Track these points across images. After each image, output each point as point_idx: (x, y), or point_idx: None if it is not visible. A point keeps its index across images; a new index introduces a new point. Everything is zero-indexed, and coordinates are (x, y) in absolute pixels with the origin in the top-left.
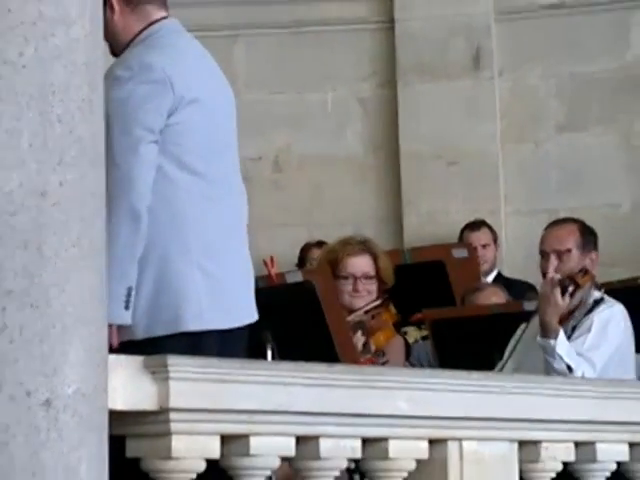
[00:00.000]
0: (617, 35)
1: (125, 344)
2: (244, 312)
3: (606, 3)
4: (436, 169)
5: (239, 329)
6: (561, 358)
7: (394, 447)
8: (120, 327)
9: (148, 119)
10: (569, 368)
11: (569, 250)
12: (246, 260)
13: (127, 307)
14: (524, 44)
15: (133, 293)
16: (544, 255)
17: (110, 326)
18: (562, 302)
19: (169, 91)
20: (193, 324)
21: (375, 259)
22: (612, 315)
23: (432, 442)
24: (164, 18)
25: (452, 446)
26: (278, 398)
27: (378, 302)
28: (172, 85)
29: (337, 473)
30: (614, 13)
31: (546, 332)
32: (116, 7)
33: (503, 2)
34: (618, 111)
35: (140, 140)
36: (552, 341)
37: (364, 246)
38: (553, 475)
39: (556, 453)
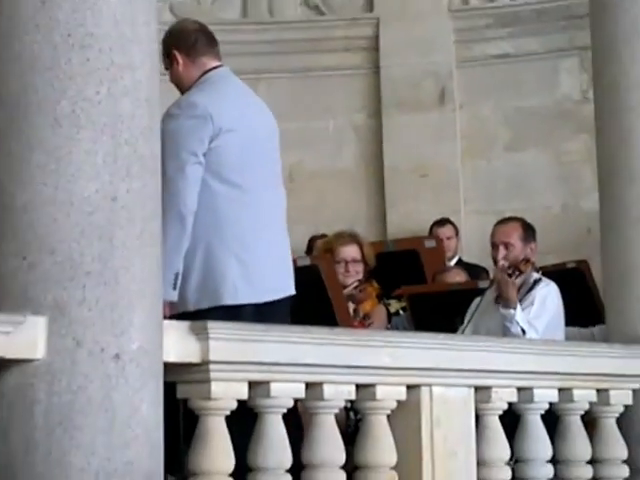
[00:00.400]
0: (549, 78)
1: (180, 314)
2: (275, 290)
3: (541, 53)
4: (411, 180)
5: (273, 303)
6: (518, 323)
7: (380, 391)
8: (174, 302)
9: (192, 146)
10: (523, 331)
11: (513, 242)
12: (280, 248)
13: (174, 288)
14: (478, 84)
15: (180, 277)
16: (494, 246)
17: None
18: (513, 282)
19: (209, 124)
20: (229, 299)
21: (360, 247)
22: (549, 292)
23: (409, 387)
24: (217, 67)
25: (424, 390)
26: (292, 353)
27: (363, 280)
28: (212, 119)
29: (337, 411)
30: (547, 61)
31: (508, 304)
32: (180, 60)
33: (462, 53)
34: (550, 136)
35: (186, 162)
36: (512, 311)
37: (352, 238)
38: (500, 412)
39: (503, 396)
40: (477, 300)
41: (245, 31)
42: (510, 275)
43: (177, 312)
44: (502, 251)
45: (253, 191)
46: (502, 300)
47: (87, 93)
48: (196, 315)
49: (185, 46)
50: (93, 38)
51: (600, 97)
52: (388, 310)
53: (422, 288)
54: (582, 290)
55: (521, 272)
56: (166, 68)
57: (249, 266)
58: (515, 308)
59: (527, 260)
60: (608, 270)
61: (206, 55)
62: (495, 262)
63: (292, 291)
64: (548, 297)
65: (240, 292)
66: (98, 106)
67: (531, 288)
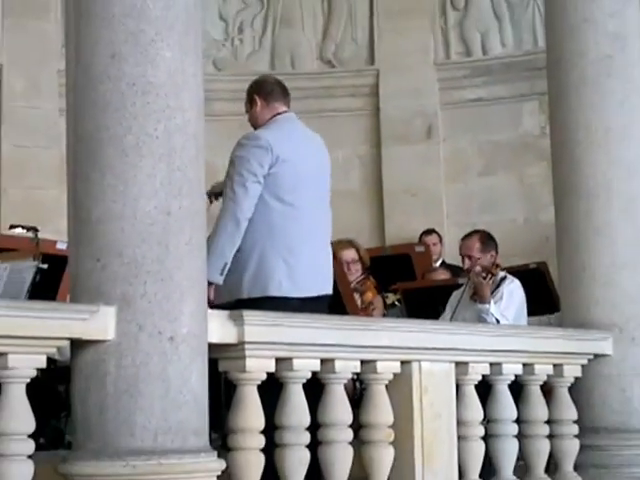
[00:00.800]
0: (515, 117)
1: (237, 301)
2: (314, 288)
3: (508, 98)
4: (404, 199)
5: (313, 299)
6: (493, 315)
7: (380, 366)
8: (229, 289)
9: (254, 168)
10: (497, 321)
11: (473, 254)
12: (321, 256)
13: (221, 274)
14: (458, 122)
15: (227, 267)
16: (462, 257)
17: (210, 284)
18: (487, 283)
19: (269, 153)
20: (274, 292)
21: (357, 250)
22: (514, 287)
23: (403, 363)
24: (285, 111)
25: (415, 365)
26: (310, 336)
27: (363, 276)
28: (272, 150)
29: (345, 381)
30: (513, 104)
31: (483, 300)
32: (258, 103)
33: (445, 97)
34: (515, 163)
35: (247, 179)
36: (487, 305)
37: (349, 243)
38: (475, 383)
39: (478, 370)
40: (455, 293)
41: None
42: (484, 278)
43: (223, 301)
44: (467, 262)
45: (302, 209)
46: (478, 297)
47: (147, 130)
48: (249, 302)
49: (264, 93)
50: (152, 86)
51: (554, 133)
52: (385, 300)
53: (413, 284)
54: (542, 285)
55: (493, 275)
56: (246, 111)
57: (293, 268)
58: (489, 303)
59: (497, 265)
60: (562, 270)
61: (278, 102)
62: (467, 270)
63: (329, 291)
64: (514, 291)
65: (284, 287)
66: (156, 140)
67: (499, 285)
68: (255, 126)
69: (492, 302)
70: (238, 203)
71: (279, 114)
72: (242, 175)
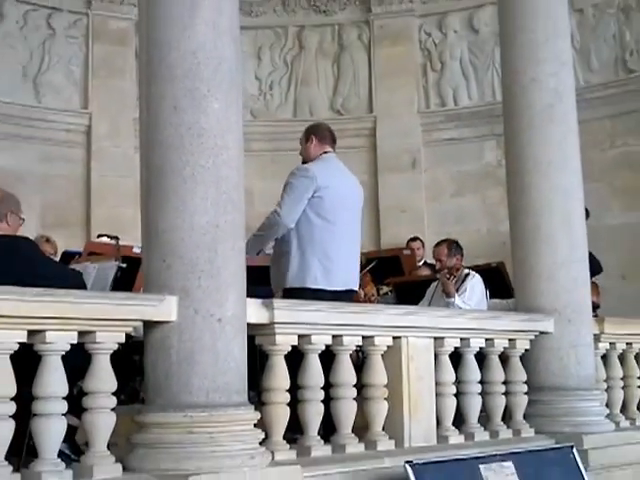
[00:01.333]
0: (478, 153)
1: (283, 290)
2: (342, 284)
3: (473, 137)
4: (396, 214)
5: (342, 292)
6: (458, 306)
7: (377, 340)
8: (277, 281)
9: (302, 185)
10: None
11: (442, 258)
12: (350, 261)
13: (257, 255)
14: (435, 157)
15: (262, 252)
16: (435, 260)
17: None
18: (451, 282)
19: (314, 182)
20: (310, 284)
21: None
22: (476, 282)
23: (394, 338)
24: (329, 152)
25: (403, 340)
26: (324, 317)
27: (361, 273)
28: (316, 180)
29: (351, 351)
30: (477, 143)
31: (449, 295)
32: (314, 141)
33: (426, 137)
34: (479, 187)
35: (292, 201)
36: (452, 299)
37: None
38: (449, 353)
39: (451, 343)
40: (432, 286)
41: (295, 125)
42: (448, 277)
43: (274, 289)
44: (437, 264)
45: (338, 225)
46: (445, 292)
47: (201, 163)
48: (292, 291)
49: (319, 135)
50: (204, 130)
51: (509, 164)
52: (378, 292)
53: (402, 278)
54: (501, 279)
55: (454, 276)
56: (300, 144)
57: (327, 268)
58: (454, 297)
59: (457, 268)
60: (516, 268)
61: (327, 144)
62: (439, 271)
63: (355, 287)
64: (475, 285)
65: (318, 281)
66: (207, 171)
67: (464, 280)
68: (306, 158)
69: (457, 295)
70: (282, 216)
71: (325, 153)
72: (290, 196)
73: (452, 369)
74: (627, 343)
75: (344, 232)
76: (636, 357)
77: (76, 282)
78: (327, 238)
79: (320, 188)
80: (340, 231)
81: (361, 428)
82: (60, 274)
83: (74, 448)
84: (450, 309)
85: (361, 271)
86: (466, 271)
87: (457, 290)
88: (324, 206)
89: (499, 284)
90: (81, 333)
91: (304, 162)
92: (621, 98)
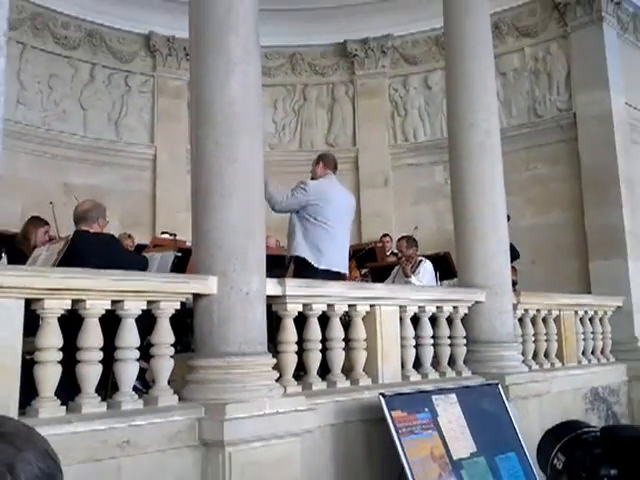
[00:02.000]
0: (430, 174)
1: (292, 256)
2: (335, 266)
3: (427, 163)
4: (372, 219)
5: (335, 272)
6: (414, 283)
7: (359, 307)
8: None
9: (300, 199)
10: None
11: (403, 249)
12: (342, 251)
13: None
14: (401, 177)
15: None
16: (398, 250)
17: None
18: (408, 266)
19: (309, 195)
20: (318, 265)
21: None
22: (427, 265)
23: (371, 306)
24: (330, 174)
25: (377, 308)
26: (321, 291)
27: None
28: (311, 192)
29: (340, 315)
30: (429, 167)
31: (407, 275)
32: (321, 165)
33: (394, 163)
34: (431, 199)
35: (293, 201)
36: (409, 278)
37: None
38: (410, 316)
39: (412, 309)
40: (395, 269)
41: (300, 154)
42: (406, 263)
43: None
44: (400, 254)
45: (332, 226)
46: (404, 274)
47: (234, 182)
48: (297, 258)
49: (326, 161)
50: (236, 158)
51: (453, 184)
52: (360, 273)
53: (376, 264)
54: (447, 264)
55: (410, 262)
56: (312, 165)
57: (316, 255)
58: (410, 277)
59: (413, 256)
60: (459, 257)
61: (330, 169)
62: (399, 259)
63: (342, 270)
64: (427, 268)
65: (320, 264)
66: (238, 187)
67: (418, 264)
68: (313, 175)
69: (413, 276)
70: (277, 206)
71: (327, 174)
72: (294, 197)
73: (412, 328)
74: (537, 310)
75: (337, 231)
76: (543, 320)
77: (143, 264)
78: (321, 235)
79: (319, 199)
80: (334, 230)
81: (348, 370)
82: (132, 259)
83: (144, 384)
84: (409, 285)
85: (350, 259)
86: (420, 258)
87: (413, 272)
88: (322, 212)
89: (446, 268)
90: (149, 302)
91: (312, 178)
92: (532, 135)
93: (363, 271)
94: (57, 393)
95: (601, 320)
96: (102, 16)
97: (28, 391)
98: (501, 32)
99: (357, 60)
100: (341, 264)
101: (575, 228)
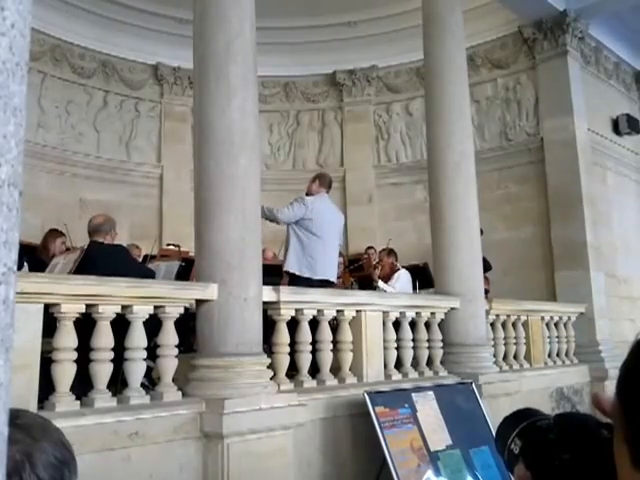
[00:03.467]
0: (412, 193)
1: (285, 271)
2: (323, 275)
3: (409, 182)
4: (359, 232)
5: (324, 280)
6: (384, 289)
7: (346, 312)
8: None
9: (297, 213)
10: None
11: (383, 260)
12: (330, 261)
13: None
14: (383, 195)
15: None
16: (379, 260)
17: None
18: (376, 274)
19: (307, 209)
20: (303, 274)
21: (343, 257)
22: (402, 273)
23: (357, 311)
24: (324, 192)
25: (363, 313)
26: (312, 298)
27: (342, 270)
28: (308, 208)
29: (329, 319)
30: (410, 186)
31: (375, 281)
32: (317, 183)
33: (378, 182)
34: (411, 215)
35: (289, 214)
36: (377, 284)
37: (340, 254)
38: (392, 321)
39: (394, 315)
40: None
41: (293, 173)
42: (373, 270)
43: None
44: (381, 263)
45: (323, 238)
46: (372, 279)
47: (233, 198)
48: (288, 273)
49: (322, 181)
50: (234, 176)
51: (432, 201)
52: (352, 282)
53: (362, 274)
54: (425, 274)
55: (376, 269)
56: (309, 182)
57: (311, 264)
58: (377, 282)
59: (392, 266)
60: (436, 267)
61: (324, 188)
62: (375, 267)
63: (332, 278)
64: (401, 275)
65: (304, 272)
66: (237, 204)
67: (394, 272)
68: (308, 192)
69: (380, 281)
70: (281, 220)
71: (320, 192)
72: (290, 211)
73: (394, 332)
74: (507, 315)
75: (327, 243)
76: (513, 324)
77: (150, 274)
78: (314, 246)
79: (312, 214)
80: (324, 242)
81: (335, 369)
82: (141, 268)
83: (151, 381)
84: (393, 293)
85: (345, 269)
86: (398, 267)
87: (389, 279)
88: (314, 227)
89: (425, 278)
90: (156, 307)
91: (307, 193)
92: (504, 157)
93: (352, 280)
94: (72, 389)
95: (565, 325)
96: (115, 48)
97: (46, 387)
98: (476, 64)
99: (345, 89)
100: (331, 273)
101: (542, 242)
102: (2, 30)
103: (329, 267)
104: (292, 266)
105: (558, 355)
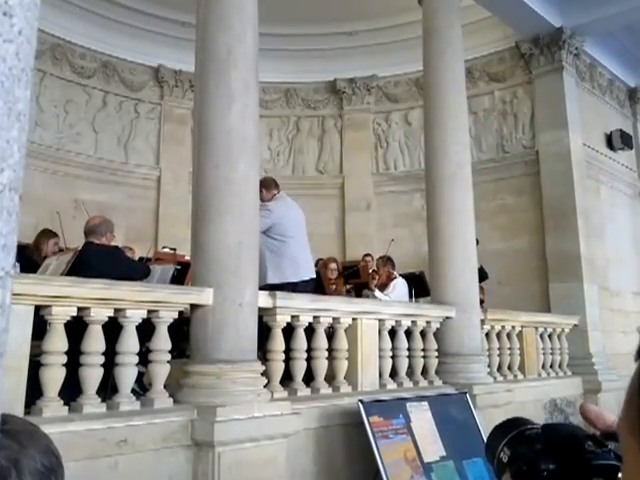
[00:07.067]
0: (409, 201)
1: (265, 285)
2: (305, 275)
3: (406, 191)
4: (356, 239)
5: (305, 281)
6: (379, 297)
7: (342, 320)
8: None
9: (266, 222)
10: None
11: (379, 268)
12: (307, 260)
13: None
14: (381, 202)
15: None
16: (376, 267)
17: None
18: (373, 282)
19: (274, 216)
20: (288, 279)
21: (337, 263)
22: (397, 282)
23: (353, 319)
24: (276, 193)
25: (359, 321)
26: (307, 305)
27: (337, 276)
28: (275, 213)
29: (325, 326)
30: (405, 195)
31: (371, 290)
32: (264, 191)
33: (376, 190)
34: (409, 223)
35: (263, 224)
36: (373, 292)
37: (334, 259)
38: (388, 329)
39: (390, 323)
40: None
41: (293, 179)
42: (371, 279)
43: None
44: (377, 270)
45: (296, 238)
46: (368, 288)
47: (232, 204)
48: (271, 286)
49: (266, 185)
50: (233, 180)
51: (429, 209)
52: (346, 289)
53: (359, 280)
54: (422, 282)
55: (374, 278)
56: (260, 192)
57: (295, 267)
58: (374, 291)
59: (379, 274)
60: (432, 276)
61: (274, 189)
62: (373, 276)
63: (313, 276)
64: (397, 284)
65: (288, 277)
66: (235, 207)
67: (391, 281)
68: (263, 200)
69: (376, 290)
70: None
71: (275, 195)
72: (263, 222)
73: (389, 340)
74: (502, 326)
75: (300, 242)
76: (507, 335)
77: (145, 271)
78: (291, 247)
79: (279, 218)
80: (297, 241)
81: (330, 377)
82: (136, 267)
83: (142, 387)
84: (388, 301)
85: (340, 276)
86: (395, 275)
87: (386, 287)
88: (284, 229)
89: (421, 286)
90: (149, 311)
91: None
92: (500, 169)
93: (348, 287)
94: (60, 393)
95: (559, 337)
96: (116, 49)
97: (33, 391)
98: (474, 77)
99: (345, 97)
100: (310, 271)
101: (537, 253)
102: (10, 37)
103: (310, 265)
104: (271, 279)
105: (552, 367)
